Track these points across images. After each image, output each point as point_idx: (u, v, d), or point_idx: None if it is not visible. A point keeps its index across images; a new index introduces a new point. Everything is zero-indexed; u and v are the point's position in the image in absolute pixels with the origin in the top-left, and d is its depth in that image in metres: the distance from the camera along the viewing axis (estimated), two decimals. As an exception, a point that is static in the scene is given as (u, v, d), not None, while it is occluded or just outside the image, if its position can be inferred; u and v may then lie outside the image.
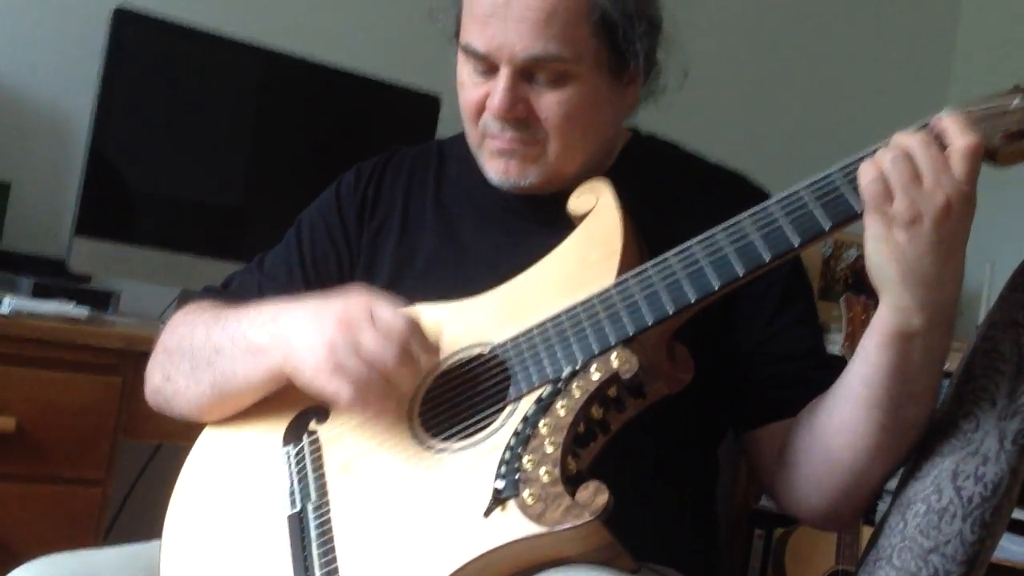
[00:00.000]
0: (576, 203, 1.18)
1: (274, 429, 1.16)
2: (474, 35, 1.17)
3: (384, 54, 2.47)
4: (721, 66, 2.88)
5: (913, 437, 1.08)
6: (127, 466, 2.14)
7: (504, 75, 1.16)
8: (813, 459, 1.12)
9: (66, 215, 2.07)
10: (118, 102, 2.04)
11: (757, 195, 1.09)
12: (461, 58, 1.22)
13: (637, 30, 1.18)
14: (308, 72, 2.25)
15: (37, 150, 2.22)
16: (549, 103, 1.17)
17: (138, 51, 2.06)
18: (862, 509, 1.14)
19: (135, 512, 2.16)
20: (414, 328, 1.06)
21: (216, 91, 2.19)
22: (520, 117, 1.17)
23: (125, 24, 2.02)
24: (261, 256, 1.36)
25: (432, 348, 1.08)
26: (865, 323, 2.49)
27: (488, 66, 1.18)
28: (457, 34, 1.23)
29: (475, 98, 1.20)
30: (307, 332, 1.08)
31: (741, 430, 1.22)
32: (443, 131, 2.17)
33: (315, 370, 1.06)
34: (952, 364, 1.10)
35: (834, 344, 2.66)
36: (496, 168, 1.21)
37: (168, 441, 1.98)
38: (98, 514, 1.79)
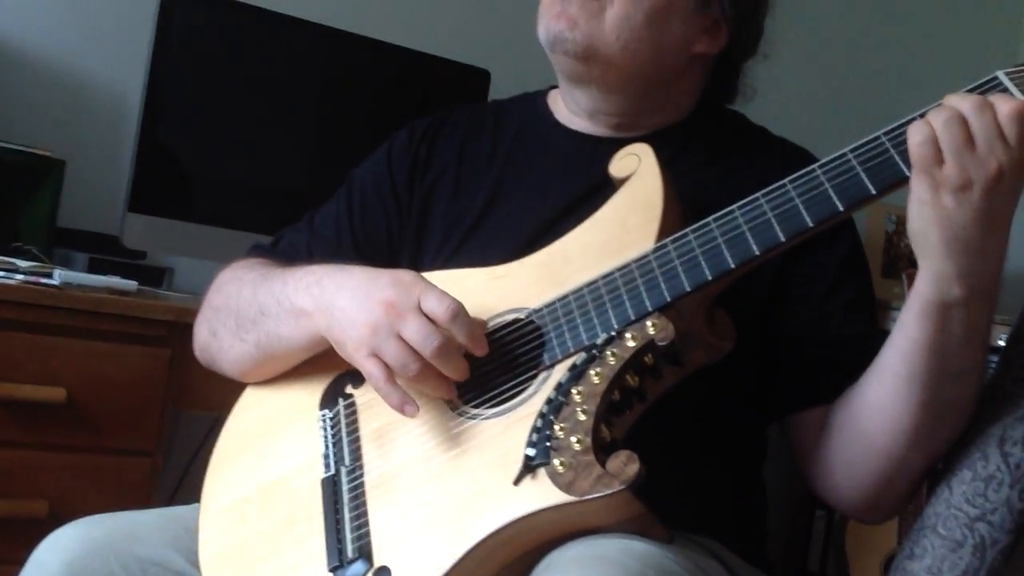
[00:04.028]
0: (618, 166, 1.17)
1: (311, 393, 1.17)
2: None
3: (436, 31, 2.46)
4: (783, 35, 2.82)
5: (954, 422, 1.04)
6: (188, 437, 2.16)
7: None
8: (850, 442, 1.09)
9: (120, 192, 2.09)
10: (169, 80, 2.05)
11: None
12: None
13: None
14: (361, 48, 2.25)
15: (91, 128, 2.24)
16: None
17: (188, 28, 2.07)
18: (902, 502, 1.11)
19: (196, 483, 2.19)
20: (460, 320, 1.04)
21: (268, 68, 2.19)
22: None
23: (175, 1, 2.03)
24: (311, 214, 1.36)
25: (478, 341, 1.05)
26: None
27: None
28: None
29: None
30: (352, 307, 1.07)
31: (780, 413, 1.19)
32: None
33: (356, 346, 1.06)
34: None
35: (896, 321, 2.60)
36: (551, 15, 1.19)
37: (223, 412, 1.99)
38: (148, 485, 1.81)
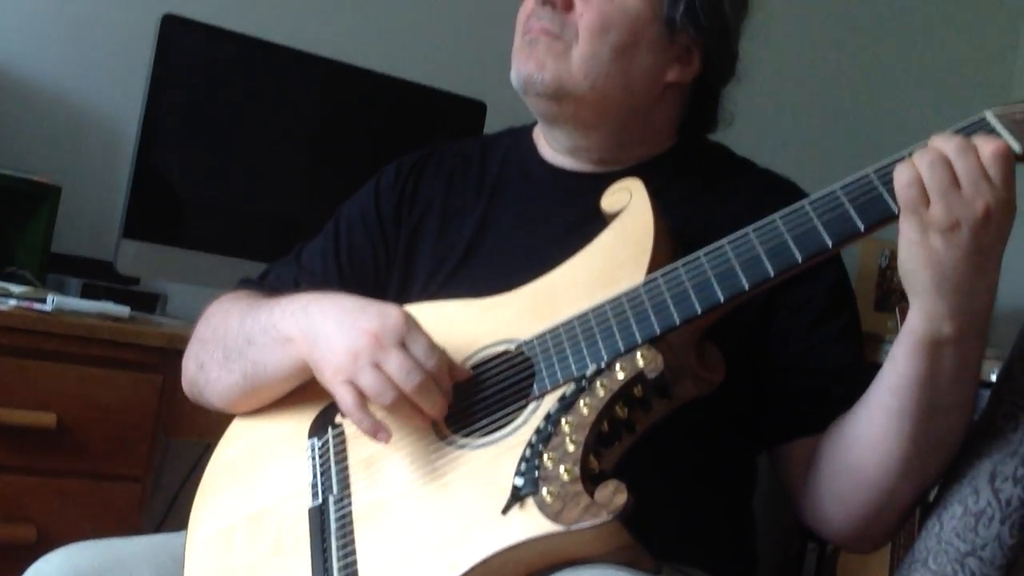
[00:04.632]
0: (609, 201, 1.17)
1: (301, 421, 1.17)
2: None
3: (433, 63, 2.48)
4: (774, 69, 2.85)
5: (944, 454, 1.05)
6: (178, 464, 2.16)
7: None
8: (839, 474, 1.09)
9: (115, 218, 2.09)
10: (165, 108, 2.06)
11: None
12: None
13: None
14: (357, 79, 2.26)
15: (87, 154, 2.25)
16: (588, 2, 1.18)
17: (185, 57, 2.08)
18: (892, 531, 1.11)
19: (185, 510, 2.18)
20: (443, 366, 1.05)
21: (264, 98, 2.20)
22: (557, 5, 1.18)
23: (173, 30, 2.04)
24: (299, 248, 1.37)
25: (450, 392, 1.06)
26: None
27: None
28: None
29: (528, 3, 1.22)
30: (335, 333, 1.08)
31: (768, 444, 1.19)
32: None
33: (333, 372, 1.06)
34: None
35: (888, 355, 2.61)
36: (521, 59, 1.21)
37: (214, 438, 1.99)
38: (137, 510, 1.80)
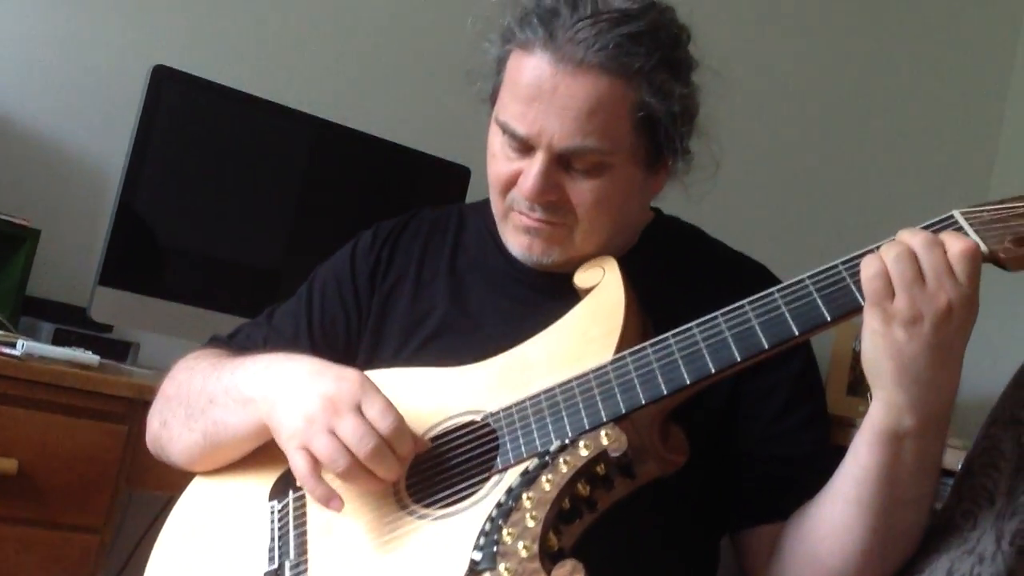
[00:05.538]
0: (582, 277, 1.18)
1: (262, 483, 1.16)
2: (515, 115, 1.16)
3: (419, 126, 2.50)
4: (752, 156, 2.88)
5: (904, 547, 1.05)
6: (139, 516, 2.13)
7: (540, 160, 1.15)
8: (801, 562, 1.09)
9: (93, 264, 2.09)
10: (151, 157, 2.07)
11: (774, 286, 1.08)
12: (495, 129, 1.21)
13: (680, 129, 1.18)
14: (344, 138, 2.28)
15: (69, 199, 2.24)
16: (582, 190, 1.16)
17: (174, 108, 2.09)
18: None
19: (144, 563, 2.15)
20: (398, 428, 1.04)
21: (251, 153, 2.21)
22: (552, 200, 1.17)
23: (163, 81, 2.06)
24: (272, 309, 1.37)
25: (408, 454, 1.05)
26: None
27: (524, 146, 1.17)
28: (493, 100, 1.23)
29: (506, 172, 1.19)
30: (292, 396, 1.08)
31: (731, 528, 1.20)
32: (472, 200, 2.18)
33: (288, 436, 1.06)
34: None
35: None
36: (520, 243, 1.21)
37: (176, 492, 1.97)
38: (94, 562, 1.77)
